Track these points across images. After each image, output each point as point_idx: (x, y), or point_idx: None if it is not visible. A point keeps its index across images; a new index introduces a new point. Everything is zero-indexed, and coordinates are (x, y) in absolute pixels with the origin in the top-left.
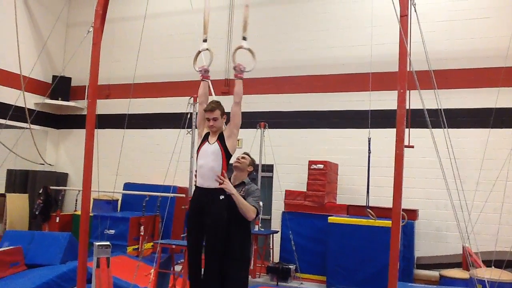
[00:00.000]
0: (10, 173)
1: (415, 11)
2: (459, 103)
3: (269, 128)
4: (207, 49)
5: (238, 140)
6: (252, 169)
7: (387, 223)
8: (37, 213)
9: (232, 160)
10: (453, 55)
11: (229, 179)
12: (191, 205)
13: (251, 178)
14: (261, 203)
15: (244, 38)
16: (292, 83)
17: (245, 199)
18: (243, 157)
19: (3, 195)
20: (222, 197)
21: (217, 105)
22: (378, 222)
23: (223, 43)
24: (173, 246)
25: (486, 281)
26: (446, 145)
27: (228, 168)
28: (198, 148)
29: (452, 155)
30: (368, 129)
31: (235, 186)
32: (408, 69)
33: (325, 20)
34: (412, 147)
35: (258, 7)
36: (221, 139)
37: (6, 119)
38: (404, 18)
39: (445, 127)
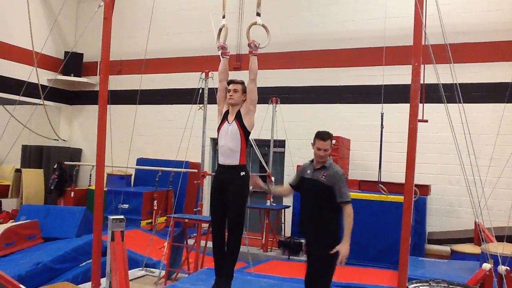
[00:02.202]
0: (25, 148)
1: None
2: (474, 77)
3: (281, 103)
4: (223, 25)
5: None
6: (331, 148)
7: (399, 198)
8: (52, 188)
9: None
10: (468, 28)
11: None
12: (214, 183)
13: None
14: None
15: (258, 14)
16: (304, 58)
17: (330, 186)
18: (325, 150)
19: (19, 170)
20: (242, 173)
21: (241, 81)
22: (390, 197)
23: (234, 18)
24: (186, 220)
25: (498, 256)
26: (461, 120)
27: (247, 145)
28: (218, 127)
29: (466, 130)
30: (381, 104)
31: (316, 170)
32: (423, 43)
33: None
34: (426, 121)
35: None
36: (239, 118)
37: (19, 95)
38: None
39: (460, 102)
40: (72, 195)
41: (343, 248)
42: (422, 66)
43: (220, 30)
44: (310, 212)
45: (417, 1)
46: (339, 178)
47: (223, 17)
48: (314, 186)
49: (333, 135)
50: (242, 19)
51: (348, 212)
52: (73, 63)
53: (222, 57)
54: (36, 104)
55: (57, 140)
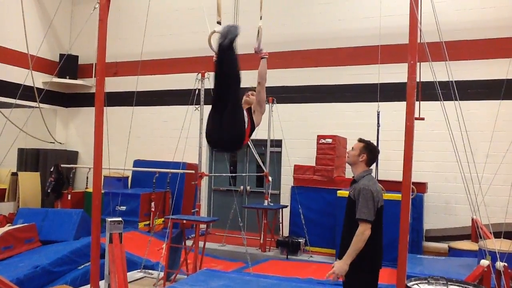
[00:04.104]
0: (21, 152)
1: None
2: (470, 74)
3: (277, 103)
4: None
5: None
6: (365, 157)
7: (396, 196)
8: (49, 190)
9: None
10: (463, 25)
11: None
12: None
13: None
14: (375, 194)
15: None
16: (300, 57)
17: (355, 201)
18: (352, 148)
19: (15, 174)
20: None
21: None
22: (387, 195)
23: (228, 19)
24: (184, 221)
25: (496, 252)
26: (457, 118)
27: (251, 131)
28: None
29: (463, 127)
30: (377, 103)
31: (351, 184)
32: (418, 40)
33: None
34: (423, 119)
35: None
36: (249, 110)
37: (15, 98)
38: None
39: (456, 99)
40: (69, 197)
41: (338, 265)
42: (418, 64)
43: (212, 34)
44: (343, 231)
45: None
46: (360, 193)
47: (219, 23)
48: (347, 202)
49: (330, 134)
50: (237, 20)
51: (359, 230)
52: (68, 65)
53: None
54: (32, 107)
55: (53, 143)
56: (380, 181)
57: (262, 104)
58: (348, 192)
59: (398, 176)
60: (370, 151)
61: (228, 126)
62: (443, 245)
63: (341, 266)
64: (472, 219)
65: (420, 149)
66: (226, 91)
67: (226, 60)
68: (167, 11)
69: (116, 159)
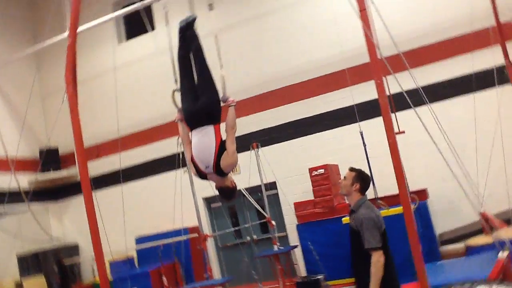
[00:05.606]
0: (21, 258)
1: (372, 2)
2: (438, 76)
3: (262, 146)
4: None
5: None
6: (358, 186)
7: (399, 209)
8: None
9: None
10: (420, 31)
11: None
12: None
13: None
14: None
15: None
16: (274, 97)
17: (357, 231)
18: (344, 177)
19: (20, 284)
20: None
21: None
22: (391, 210)
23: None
24: None
25: (509, 242)
26: (434, 120)
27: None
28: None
29: (441, 128)
30: (357, 123)
31: (350, 213)
32: (378, 56)
33: (292, 29)
34: (403, 132)
35: (224, 31)
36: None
37: (3, 203)
38: (363, 12)
39: (426, 103)
40: None
41: None
42: (385, 79)
43: (174, 92)
44: (352, 262)
45: (363, 23)
46: (361, 222)
47: (176, 81)
48: (350, 232)
49: (320, 164)
50: None
51: (374, 260)
52: (50, 158)
53: (179, 121)
54: (22, 211)
55: (51, 240)
56: (381, 198)
57: (228, 152)
58: (349, 220)
59: (396, 189)
60: (362, 180)
61: (205, 89)
62: (460, 245)
63: None
64: (480, 213)
65: (411, 158)
66: (197, 62)
67: (189, 36)
68: (136, 81)
69: (117, 241)
